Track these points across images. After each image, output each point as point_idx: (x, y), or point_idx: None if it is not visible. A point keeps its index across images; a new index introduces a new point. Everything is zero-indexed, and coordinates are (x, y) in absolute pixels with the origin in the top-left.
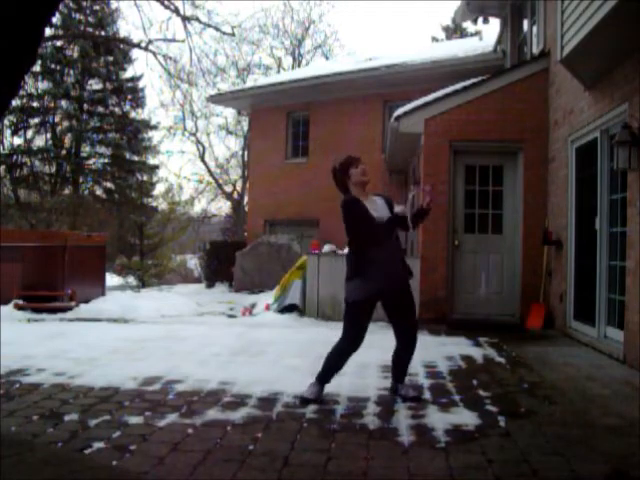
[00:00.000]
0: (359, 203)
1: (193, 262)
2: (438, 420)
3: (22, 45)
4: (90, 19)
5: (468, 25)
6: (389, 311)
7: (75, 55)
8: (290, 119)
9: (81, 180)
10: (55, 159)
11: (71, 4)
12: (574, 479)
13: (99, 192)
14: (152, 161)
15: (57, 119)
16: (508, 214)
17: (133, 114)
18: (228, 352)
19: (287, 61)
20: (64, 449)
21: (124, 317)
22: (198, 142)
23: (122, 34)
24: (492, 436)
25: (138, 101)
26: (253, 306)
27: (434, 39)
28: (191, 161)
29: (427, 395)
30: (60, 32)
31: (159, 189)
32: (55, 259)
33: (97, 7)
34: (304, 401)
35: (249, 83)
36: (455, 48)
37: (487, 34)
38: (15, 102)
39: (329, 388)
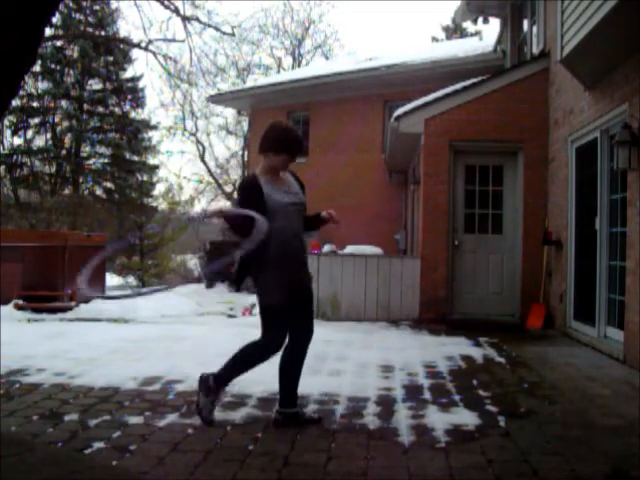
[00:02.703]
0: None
1: (193, 262)
2: (438, 420)
3: (22, 45)
4: (90, 19)
5: (468, 25)
6: None
7: (75, 55)
8: (290, 119)
9: (81, 180)
10: (55, 159)
11: (71, 4)
12: (574, 479)
13: (99, 192)
14: (152, 161)
15: (57, 119)
16: (508, 214)
17: (133, 114)
18: (228, 352)
19: (287, 61)
20: (64, 449)
21: (124, 317)
22: (198, 142)
23: (122, 34)
24: (492, 436)
25: (138, 101)
26: (253, 306)
27: (434, 39)
28: (191, 161)
29: (427, 395)
30: (60, 32)
31: (159, 189)
32: (55, 259)
33: (97, 7)
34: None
35: (249, 83)
36: (455, 48)
37: (487, 34)
38: (15, 102)
39: (329, 388)
